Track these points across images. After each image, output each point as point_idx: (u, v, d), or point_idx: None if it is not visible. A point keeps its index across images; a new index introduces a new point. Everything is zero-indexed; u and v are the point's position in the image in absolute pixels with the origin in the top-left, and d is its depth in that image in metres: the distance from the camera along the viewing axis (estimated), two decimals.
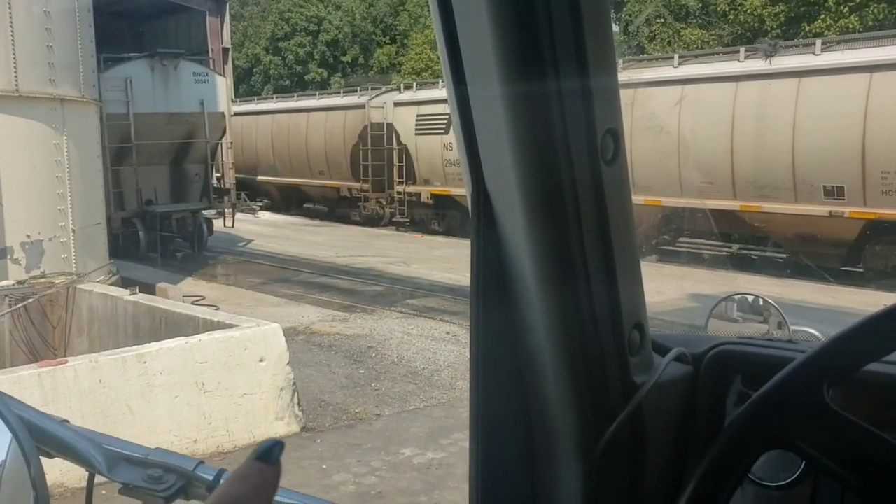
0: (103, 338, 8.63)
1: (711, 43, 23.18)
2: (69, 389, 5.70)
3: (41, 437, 0.82)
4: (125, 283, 11.00)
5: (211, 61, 19.12)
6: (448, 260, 16.57)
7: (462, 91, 0.81)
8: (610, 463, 0.88)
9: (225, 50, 19.93)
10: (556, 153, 0.78)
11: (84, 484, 0.87)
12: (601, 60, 0.78)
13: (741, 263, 15.96)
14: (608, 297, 0.84)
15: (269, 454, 0.38)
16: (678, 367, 0.96)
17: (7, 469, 0.71)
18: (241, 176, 23.69)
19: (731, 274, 14.76)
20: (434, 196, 21.26)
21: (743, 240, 16.94)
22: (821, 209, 13.87)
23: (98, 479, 0.87)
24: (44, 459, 0.75)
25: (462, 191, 20.14)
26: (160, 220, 17.72)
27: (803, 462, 0.99)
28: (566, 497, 0.88)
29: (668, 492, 0.92)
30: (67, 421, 0.88)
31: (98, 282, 9.97)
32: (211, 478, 0.83)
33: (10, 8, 9.40)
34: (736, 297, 1.52)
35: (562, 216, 0.80)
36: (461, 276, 14.64)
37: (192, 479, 0.83)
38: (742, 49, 15.47)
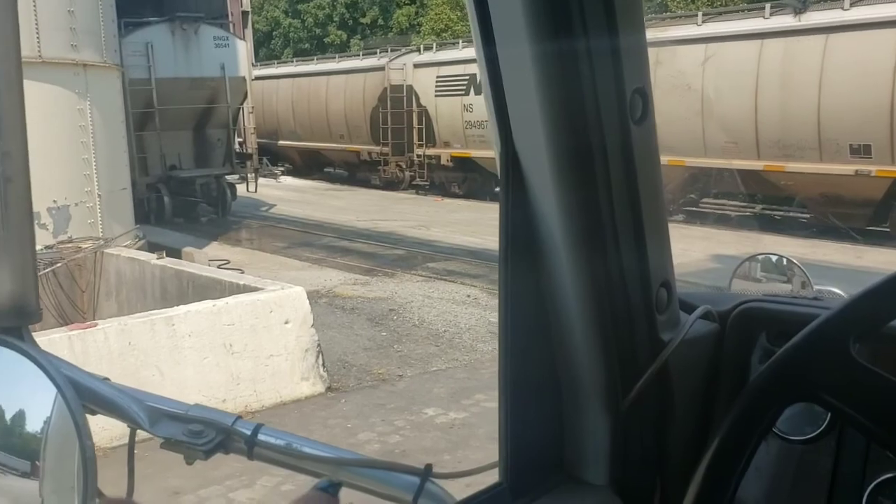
0: (131, 301, 8.78)
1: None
2: (99, 352, 5.82)
3: (84, 394, 0.83)
4: (151, 247, 11.13)
5: (231, 25, 19.04)
6: (468, 223, 16.56)
7: (491, 51, 0.81)
8: (637, 418, 0.89)
9: (245, 13, 19.83)
10: (584, 112, 0.78)
11: (117, 443, 0.89)
12: (630, 19, 0.78)
13: (765, 224, 15.80)
14: (636, 256, 0.85)
15: (329, 486, 0.40)
16: (704, 324, 0.97)
17: (52, 425, 0.72)
18: (263, 141, 23.69)
19: (756, 234, 14.62)
20: (454, 159, 21.16)
21: (767, 200, 16.73)
22: (847, 168, 13.64)
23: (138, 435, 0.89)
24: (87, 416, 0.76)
25: (482, 153, 20.07)
26: (184, 185, 17.84)
27: (828, 416, 1.00)
28: (594, 452, 0.89)
29: (694, 446, 0.94)
30: (108, 379, 0.89)
31: (125, 246, 10.10)
32: (249, 432, 0.84)
33: None
34: (760, 256, 1.51)
35: (590, 176, 0.81)
36: (481, 238, 14.63)
37: (230, 433, 0.84)
38: (767, 5, 15.11)
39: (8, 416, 0.69)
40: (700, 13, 16.77)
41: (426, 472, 0.77)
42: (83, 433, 0.67)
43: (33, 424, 0.69)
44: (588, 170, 0.80)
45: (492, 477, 0.86)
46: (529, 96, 0.78)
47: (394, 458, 5.64)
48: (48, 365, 0.70)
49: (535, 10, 0.74)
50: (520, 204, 0.84)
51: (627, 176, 0.82)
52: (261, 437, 0.84)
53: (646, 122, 0.81)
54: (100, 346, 5.84)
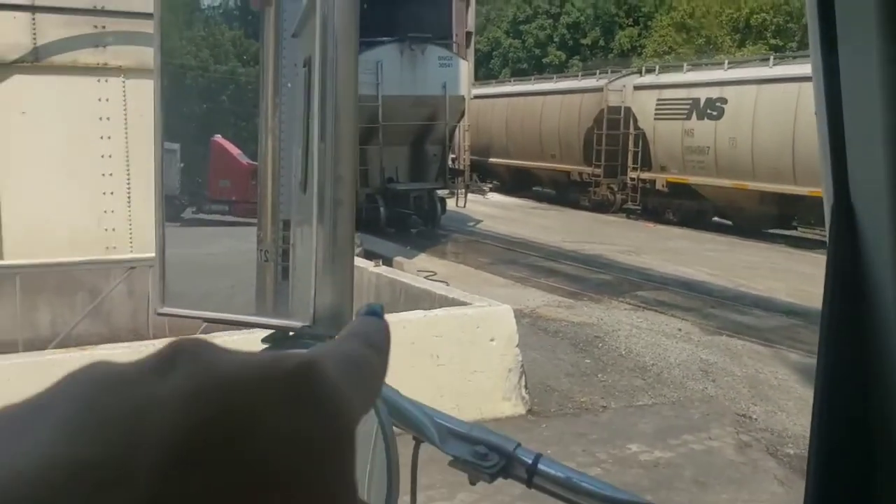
0: None
1: None
2: None
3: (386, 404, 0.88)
4: (367, 255, 11.75)
5: (455, 45, 19.75)
6: (682, 252, 15.88)
7: (831, 62, 0.66)
8: None
9: (468, 34, 20.52)
10: None
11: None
12: None
13: None
14: None
15: (375, 311, 0.35)
16: None
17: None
18: (474, 157, 24.34)
19: None
20: (670, 184, 20.42)
21: None
22: None
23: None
24: None
25: (701, 179, 19.23)
26: (399, 197, 18.72)
27: None
28: None
29: None
30: (398, 390, 0.92)
31: None
32: (530, 461, 0.85)
33: None
34: None
35: None
36: (695, 269, 13.97)
37: (512, 459, 0.85)
38: None
39: None
40: None
41: None
42: (390, 441, 0.71)
43: None
44: None
45: None
46: (874, 129, 0.64)
47: None
48: None
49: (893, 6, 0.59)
50: (849, 256, 0.72)
51: None
52: (541, 466, 0.85)
53: None
54: None
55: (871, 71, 0.62)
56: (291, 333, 0.79)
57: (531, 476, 0.84)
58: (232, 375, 0.25)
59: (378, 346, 0.34)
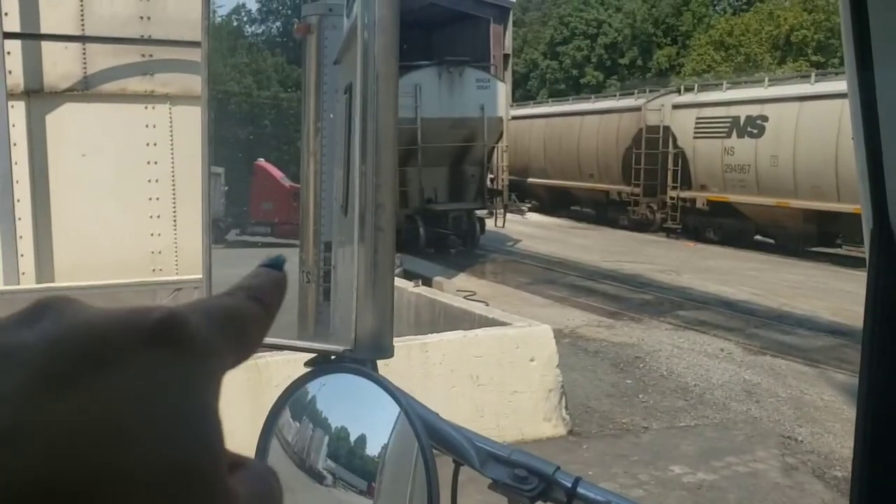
0: None
1: None
2: None
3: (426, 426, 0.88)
4: (406, 275, 11.82)
5: (492, 67, 19.88)
6: (723, 272, 15.65)
7: (867, 82, 0.65)
8: None
9: (506, 56, 20.63)
10: None
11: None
12: None
13: None
14: None
15: (276, 262, 0.37)
16: None
17: (390, 451, 0.77)
18: (512, 178, 24.36)
19: None
20: (710, 203, 20.19)
21: None
22: None
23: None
24: None
25: (742, 198, 18.96)
26: (438, 217, 18.82)
27: None
28: None
29: None
30: (437, 414, 0.93)
31: None
32: (569, 484, 0.84)
33: None
34: None
35: None
36: (737, 289, 13.76)
37: (551, 482, 0.85)
38: None
39: (353, 438, 0.77)
40: None
41: None
42: (430, 463, 0.71)
43: (373, 448, 0.76)
44: None
45: None
46: None
47: None
48: (402, 398, 0.75)
49: None
50: (890, 284, 0.73)
51: None
52: (580, 489, 0.84)
53: None
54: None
55: None
56: (333, 357, 0.81)
57: (570, 499, 0.84)
58: (94, 324, 0.28)
59: (262, 299, 0.35)
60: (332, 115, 0.89)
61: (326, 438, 0.76)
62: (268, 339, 0.32)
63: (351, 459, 0.75)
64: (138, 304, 0.30)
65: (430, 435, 0.89)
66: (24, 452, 0.24)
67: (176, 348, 0.29)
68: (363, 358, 0.78)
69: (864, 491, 0.76)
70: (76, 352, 0.27)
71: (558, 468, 0.86)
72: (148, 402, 0.27)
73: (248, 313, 0.34)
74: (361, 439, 0.76)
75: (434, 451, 0.94)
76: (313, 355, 0.81)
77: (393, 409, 0.74)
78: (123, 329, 0.28)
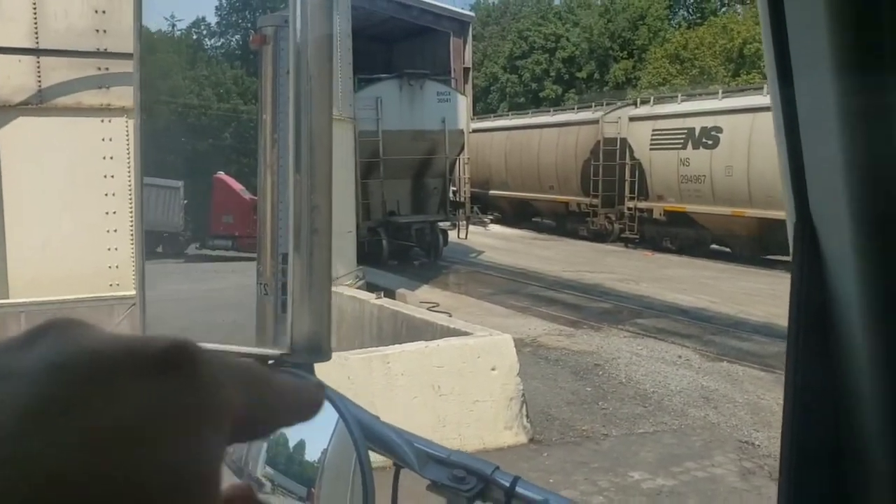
0: (350, 337, 9.33)
1: None
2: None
3: (364, 430, 0.88)
4: (369, 287, 11.79)
5: (453, 80, 20.01)
6: (680, 280, 15.90)
7: (788, 93, 0.72)
8: None
9: (466, 69, 20.79)
10: None
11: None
12: None
13: None
14: None
15: (329, 396, 0.38)
16: None
17: (329, 455, 0.76)
18: (475, 190, 24.49)
19: None
20: (667, 213, 20.53)
21: None
22: None
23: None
24: None
25: (698, 207, 19.28)
26: (401, 230, 18.83)
27: None
28: None
29: None
30: (378, 417, 0.93)
31: (347, 285, 10.79)
32: (507, 483, 0.85)
33: None
34: None
35: None
36: (694, 297, 13.99)
37: (490, 482, 0.85)
38: None
39: (291, 444, 0.75)
40: None
41: None
42: (366, 467, 0.71)
43: (312, 454, 0.74)
44: None
45: None
46: (832, 151, 0.69)
47: None
48: (339, 402, 0.75)
49: (842, 40, 0.62)
50: (814, 276, 0.77)
51: None
52: (519, 489, 0.84)
53: None
54: (323, 378, 6.22)
55: (822, 100, 0.67)
56: (271, 362, 0.79)
57: (509, 499, 0.84)
58: (98, 349, 0.27)
59: (291, 402, 0.35)
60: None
61: (265, 445, 0.75)
62: (204, 344, 0.33)
63: (290, 466, 0.74)
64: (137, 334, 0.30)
65: (369, 438, 0.89)
66: (22, 477, 0.24)
67: (180, 377, 0.28)
68: (300, 362, 0.78)
69: (790, 484, 0.79)
70: (76, 378, 0.26)
71: (497, 468, 0.86)
72: (151, 433, 0.26)
73: (267, 377, 0.33)
74: (300, 445, 0.75)
75: (376, 454, 0.95)
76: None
77: (332, 414, 0.74)
78: (128, 354, 0.28)
